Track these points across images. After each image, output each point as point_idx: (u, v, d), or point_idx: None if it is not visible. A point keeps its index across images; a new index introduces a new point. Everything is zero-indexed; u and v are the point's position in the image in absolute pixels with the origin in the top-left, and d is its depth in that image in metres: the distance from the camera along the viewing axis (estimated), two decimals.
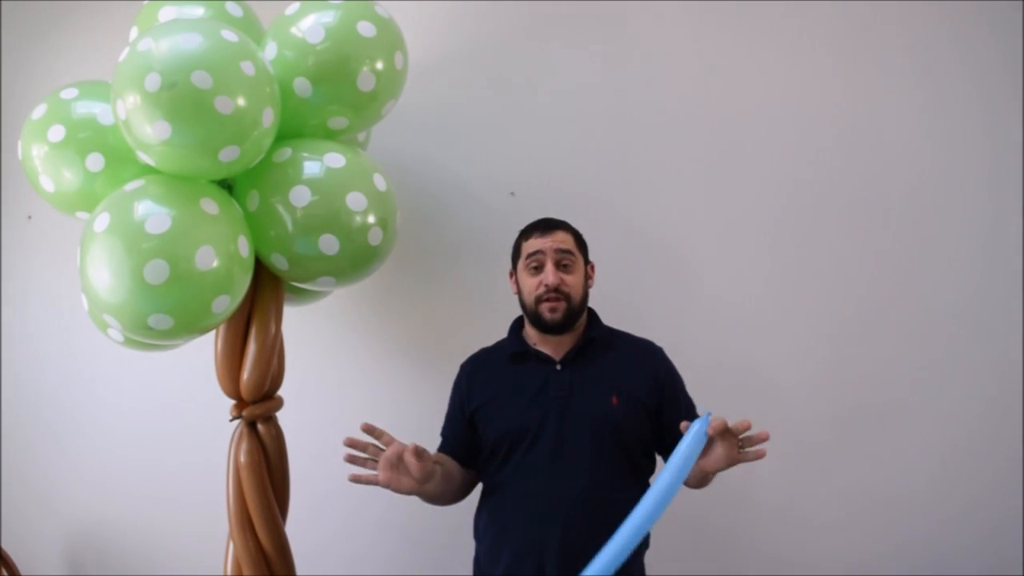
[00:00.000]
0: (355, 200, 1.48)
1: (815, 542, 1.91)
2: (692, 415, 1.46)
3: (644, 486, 1.26)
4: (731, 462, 1.19)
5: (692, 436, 1.15)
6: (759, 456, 1.19)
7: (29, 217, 2.24)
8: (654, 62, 1.97)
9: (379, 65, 1.53)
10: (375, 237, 1.52)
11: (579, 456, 1.34)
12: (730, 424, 1.17)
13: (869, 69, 1.89)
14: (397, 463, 1.25)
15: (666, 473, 1.13)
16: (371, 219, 1.50)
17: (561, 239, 1.44)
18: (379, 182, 1.55)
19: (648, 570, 1.99)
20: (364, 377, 2.05)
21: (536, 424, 1.36)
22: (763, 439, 1.18)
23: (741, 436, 1.19)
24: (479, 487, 1.50)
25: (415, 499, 1.91)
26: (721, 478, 1.92)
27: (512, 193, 2.01)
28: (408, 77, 1.65)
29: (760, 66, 1.93)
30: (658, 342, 1.92)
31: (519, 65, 2.02)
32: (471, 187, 2.03)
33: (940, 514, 1.85)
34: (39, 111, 1.48)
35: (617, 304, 1.95)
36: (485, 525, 1.43)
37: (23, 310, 2.25)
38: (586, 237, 1.96)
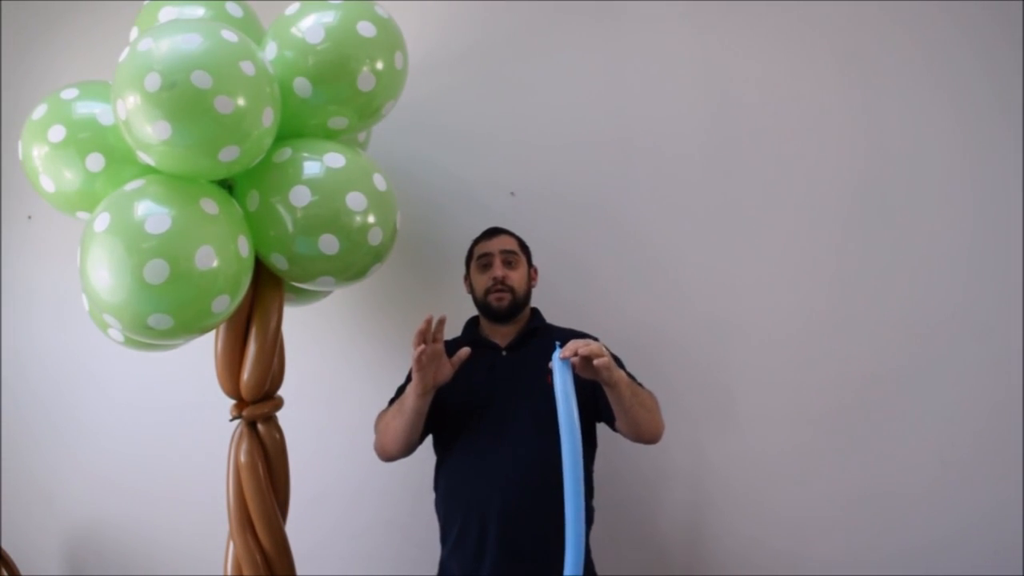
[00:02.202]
0: (355, 200, 1.48)
1: (813, 542, 1.91)
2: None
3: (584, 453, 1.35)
4: (601, 366, 1.31)
5: (557, 371, 1.25)
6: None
7: (29, 217, 2.24)
8: (654, 62, 1.97)
9: (379, 65, 1.53)
10: (375, 237, 1.52)
11: (520, 427, 1.51)
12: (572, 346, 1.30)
13: (868, 70, 1.89)
14: (438, 359, 1.43)
15: (560, 407, 1.21)
16: (371, 219, 1.50)
17: (506, 241, 1.68)
18: (379, 182, 1.55)
19: (650, 570, 2.00)
20: (364, 377, 2.05)
21: (483, 400, 1.54)
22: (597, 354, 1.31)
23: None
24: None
25: (414, 499, 1.92)
26: (720, 479, 1.93)
27: (512, 193, 2.01)
28: (408, 77, 1.65)
29: (759, 66, 1.93)
30: (656, 340, 1.92)
31: (519, 65, 2.03)
32: (471, 187, 2.03)
33: (939, 514, 1.85)
34: (39, 111, 1.48)
35: (615, 302, 1.96)
36: (441, 497, 1.59)
37: (23, 310, 2.25)
38: (585, 236, 1.98)
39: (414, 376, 1.43)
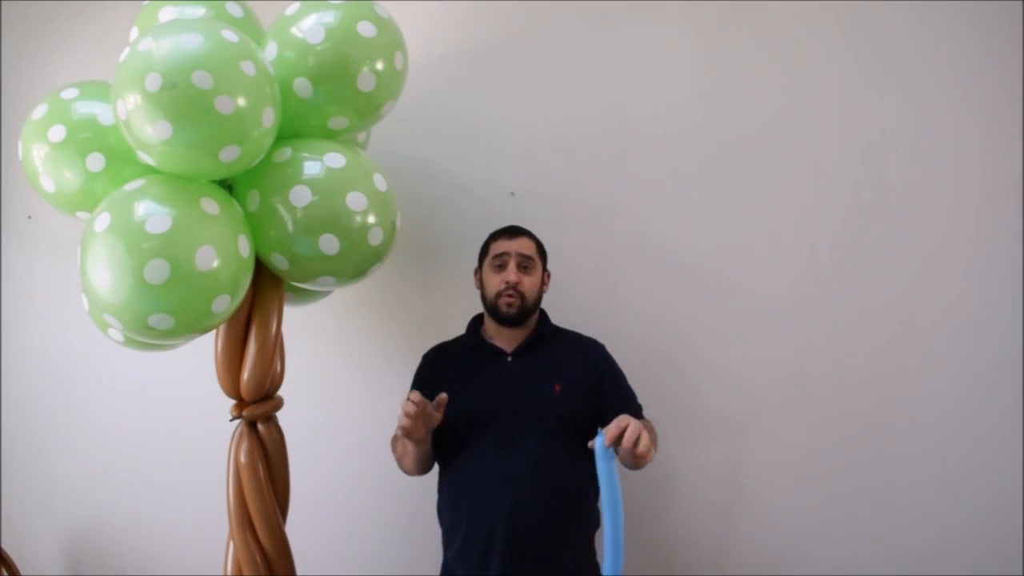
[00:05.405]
0: (355, 200, 1.48)
1: (813, 543, 1.91)
2: (630, 403, 1.58)
3: (587, 460, 1.27)
4: (640, 452, 1.23)
5: (600, 458, 1.20)
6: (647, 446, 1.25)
7: (29, 217, 2.24)
8: (654, 62, 1.97)
9: (379, 65, 1.53)
10: (375, 237, 1.52)
11: (526, 436, 1.49)
12: (613, 433, 1.21)
13: (869, 71, 1.88)
14: (426, 418, 1.42)
15: (604, 495, 1.18)
16: (371, 219, 1.50)
17: (525, 244, 1.62)
18: (379, 182, 1.55)
19: (654, 570, 1.99)
20: (364, 377, 2.06)
21: (489, 408, 1.52)
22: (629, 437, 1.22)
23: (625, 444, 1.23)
24: (436, 475, 1.64)
25: (415, 500, 1.92)
26: (718, 480, 1.93)
27: (512, 193, 2.01)
28: (408, 77, 1.65)
29: (761, 66, 1.93)
30: (656, 340, 1.91)
31: (519, 65, 2.02)
32: (471, 187, 2.03)
33: (939, 514, 1.85)
34: (39, 111, 1.48)
35: (615, 301, 1.96)
36: (446, 504, 1.57)
37: (23, 310, 2.25)
38: (584, 236, 1.98)
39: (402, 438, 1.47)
